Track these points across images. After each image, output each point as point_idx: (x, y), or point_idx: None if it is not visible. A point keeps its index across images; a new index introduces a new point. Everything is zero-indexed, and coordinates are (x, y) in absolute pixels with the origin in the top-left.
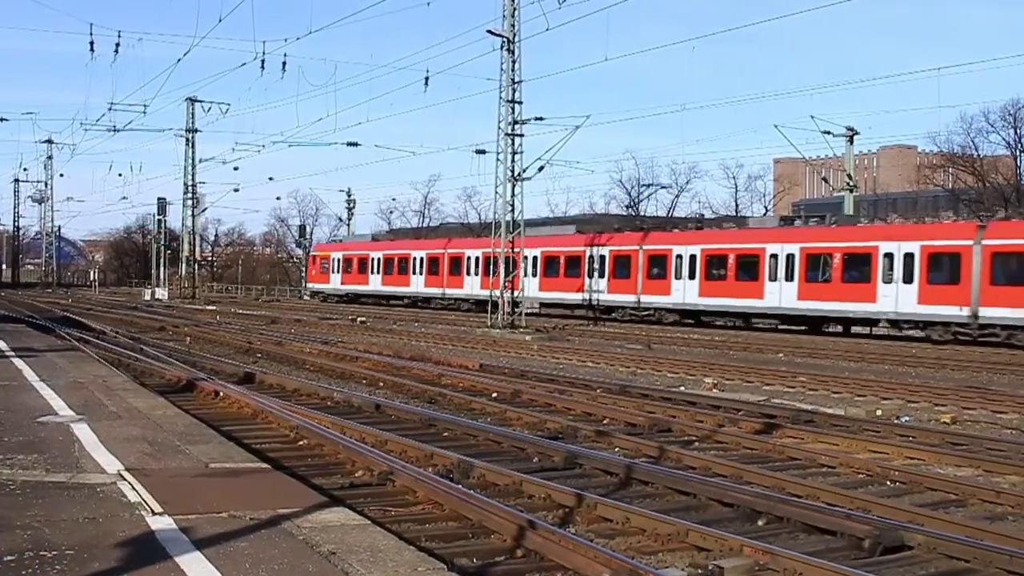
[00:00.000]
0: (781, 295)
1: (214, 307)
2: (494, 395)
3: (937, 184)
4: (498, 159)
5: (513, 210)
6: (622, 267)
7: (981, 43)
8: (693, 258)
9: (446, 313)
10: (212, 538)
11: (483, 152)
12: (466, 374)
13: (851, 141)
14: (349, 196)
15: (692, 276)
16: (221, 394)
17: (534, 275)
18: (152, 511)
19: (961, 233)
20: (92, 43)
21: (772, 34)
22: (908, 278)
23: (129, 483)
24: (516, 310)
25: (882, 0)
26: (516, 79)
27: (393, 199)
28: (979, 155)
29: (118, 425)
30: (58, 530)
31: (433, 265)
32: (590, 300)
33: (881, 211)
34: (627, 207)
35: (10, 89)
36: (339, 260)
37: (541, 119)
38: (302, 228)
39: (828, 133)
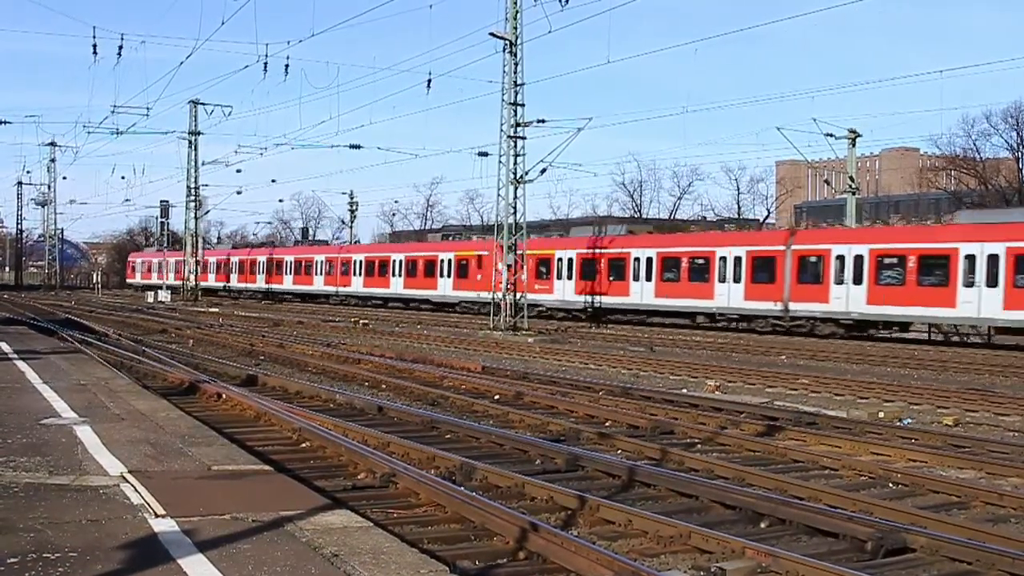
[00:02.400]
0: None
1: (217, 309)
2: (496, 397)
3: (939, 187)
4: (500, 162)
5: (515, 213)
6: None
7: (983, 45)
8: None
9: (446, 315)
10: (215, 540)
11: (485, 155)
12: (468, 376)
13: (853, 143)
14: (352, 198)
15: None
16: (223, 396)
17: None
18: (155, 513)
19: None
20: (95, 46)
21: (774, 37)
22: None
23: (132, 485)
24: (520, 313)
25: (884, 2)
26: (518, 82)
27: (396, 201)
28: (981, 157)
29: (120, 427)
30: (61, 532)
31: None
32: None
33: (883, 213)
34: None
35: (13, 92)
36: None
37: (543, 122)
38: (304, 231)
39: (830, 135)
